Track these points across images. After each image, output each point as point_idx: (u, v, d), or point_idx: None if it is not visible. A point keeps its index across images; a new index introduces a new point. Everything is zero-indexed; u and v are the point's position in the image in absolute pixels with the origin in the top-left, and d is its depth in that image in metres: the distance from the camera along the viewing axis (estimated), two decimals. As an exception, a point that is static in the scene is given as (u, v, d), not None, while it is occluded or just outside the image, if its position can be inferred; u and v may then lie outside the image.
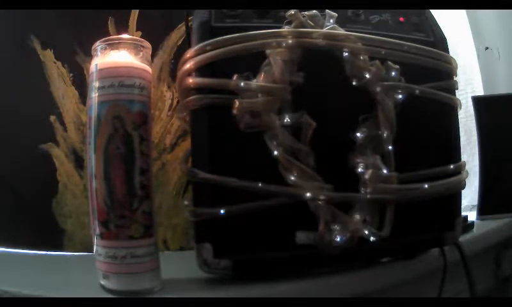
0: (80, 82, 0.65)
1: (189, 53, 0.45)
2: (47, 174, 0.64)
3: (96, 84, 0.41)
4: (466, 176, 0.52)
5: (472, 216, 0.74)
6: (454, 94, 0.52)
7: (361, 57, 0.46)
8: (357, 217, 0.44)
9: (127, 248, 0.39)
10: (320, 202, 0.43)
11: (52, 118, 0.65)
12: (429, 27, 0.53)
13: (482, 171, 0.79)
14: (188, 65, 0.44)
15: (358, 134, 0.46)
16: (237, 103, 0.43)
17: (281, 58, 0.44)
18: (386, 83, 0.46)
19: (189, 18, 0.52)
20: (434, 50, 0.51)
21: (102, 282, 0.40)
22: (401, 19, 0.52)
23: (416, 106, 0.48)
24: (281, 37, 0.44)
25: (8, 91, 0.65)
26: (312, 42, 0.45)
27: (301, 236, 0.43)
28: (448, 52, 0.52)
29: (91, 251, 0.42)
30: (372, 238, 0.44)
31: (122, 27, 0.66)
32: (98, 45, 0.42)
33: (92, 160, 0.40)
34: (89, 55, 0.44)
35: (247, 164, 0.43)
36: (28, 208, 0.63)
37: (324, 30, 0.46)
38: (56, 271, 0.54)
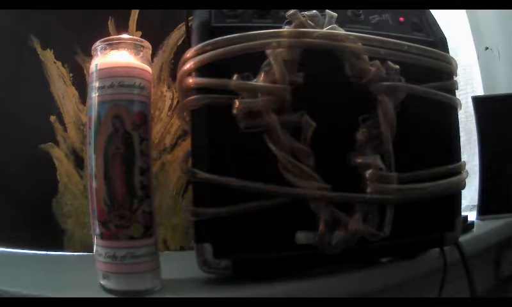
0: (80, 82, 0.65)
1: (189, 53, 0.45)
2: (47, 174, 0.64)
3: (96, 84, 0.41)
4: (466, 176, 0.51)
5: (472, 216, 0.74)
6: (454, 94, 0.52)
7: (361, 57, 0.46)
8: (357, 217, 0.44)
9: (127, 248, 0.39)
10: (320, 202, 0.43)
11: (52, 118, 0.65)
12: (429, 27, 0.53)
13: (482, 171, 0.79)
14: (188, 65, 0.44)
15: (358, 134, 0.46)
16: (237, 103, 0.42)
17: (281, 58, 0.44)
18: (386, 83, 0.46)
19: (189, 18, 0.52)
20: (434, 50, 0.50)
21: (102, 282, 0.40)
22: (401, 19, 0.52)
23: (416, 106, 0.48)
24: (281, 37, 0.44)
25: (8, 91, 0.65)
26: (312, 42, 0.45)
27: (301, 236, 0.43)
28: (448, 52, 0.52)
29: (91, 251, 0.42)
30: (372, 238, 0.44)
31: (122, 27, 0.66)
32: (98, 45, 0.42)
33: (92, 160, 0.40)
34: (89, 55, 0.44)
35: (247, 164, 0.43)
36: (28, 208, 0.63)
37: (324, 30, 0.46)
38: (56, 271, 0.54)
